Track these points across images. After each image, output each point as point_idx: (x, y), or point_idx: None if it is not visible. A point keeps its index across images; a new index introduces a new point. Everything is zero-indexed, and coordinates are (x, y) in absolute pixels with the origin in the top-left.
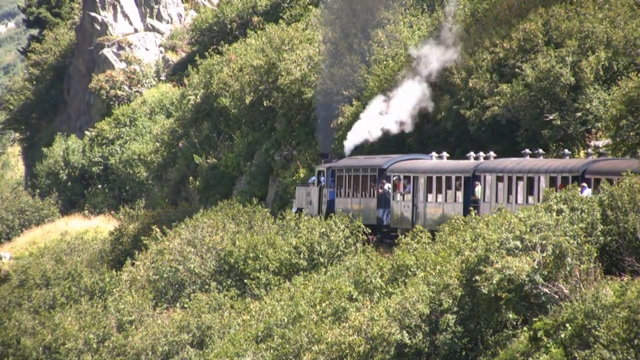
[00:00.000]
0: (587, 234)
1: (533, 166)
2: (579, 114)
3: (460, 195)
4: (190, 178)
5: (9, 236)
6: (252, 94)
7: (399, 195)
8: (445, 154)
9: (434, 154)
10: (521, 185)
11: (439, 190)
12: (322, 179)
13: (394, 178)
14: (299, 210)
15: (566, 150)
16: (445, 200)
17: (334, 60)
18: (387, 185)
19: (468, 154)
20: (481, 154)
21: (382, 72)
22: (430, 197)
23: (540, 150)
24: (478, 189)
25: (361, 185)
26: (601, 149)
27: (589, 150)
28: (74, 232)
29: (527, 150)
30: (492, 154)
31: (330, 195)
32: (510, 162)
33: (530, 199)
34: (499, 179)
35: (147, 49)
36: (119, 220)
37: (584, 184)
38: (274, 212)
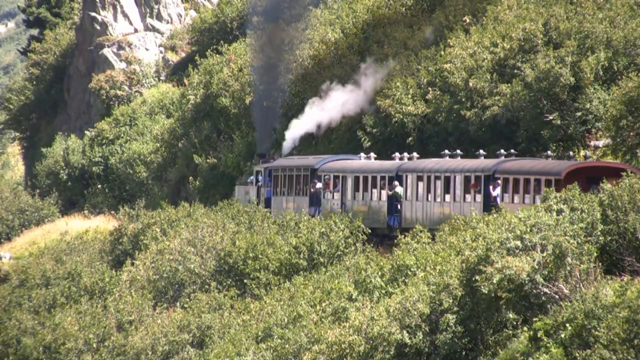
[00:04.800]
0: (587, 234)
1: (450, 166)
2: (579, 114)
3: (384, 193)
4: (190, 178)
5: (9, 236)
6: (252, 94)
7: (329, 193)
8: (372, 154)
9: (362, 154)
10: (439, 184)
11: (365, 189)
12: (259, 178)
13: (325, 177)
14: None
15: (481, 151)
16: (371, 199)
17: (267, 63)
18: (319, 184)
19: (393, 155)
20: (405, 154)
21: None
22: (358, 195)
23: (458, 151)
24: (399, 189)
25: (295, 184)
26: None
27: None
28: (74, 232)
29: (447, 151)
30: (415, 154)
31: (267, 194)
32: (430, 163)
33: (447, 197)
34: (419, 179)
35: (147, 49)
36: (119, 220)
37: (497, 182)
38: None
